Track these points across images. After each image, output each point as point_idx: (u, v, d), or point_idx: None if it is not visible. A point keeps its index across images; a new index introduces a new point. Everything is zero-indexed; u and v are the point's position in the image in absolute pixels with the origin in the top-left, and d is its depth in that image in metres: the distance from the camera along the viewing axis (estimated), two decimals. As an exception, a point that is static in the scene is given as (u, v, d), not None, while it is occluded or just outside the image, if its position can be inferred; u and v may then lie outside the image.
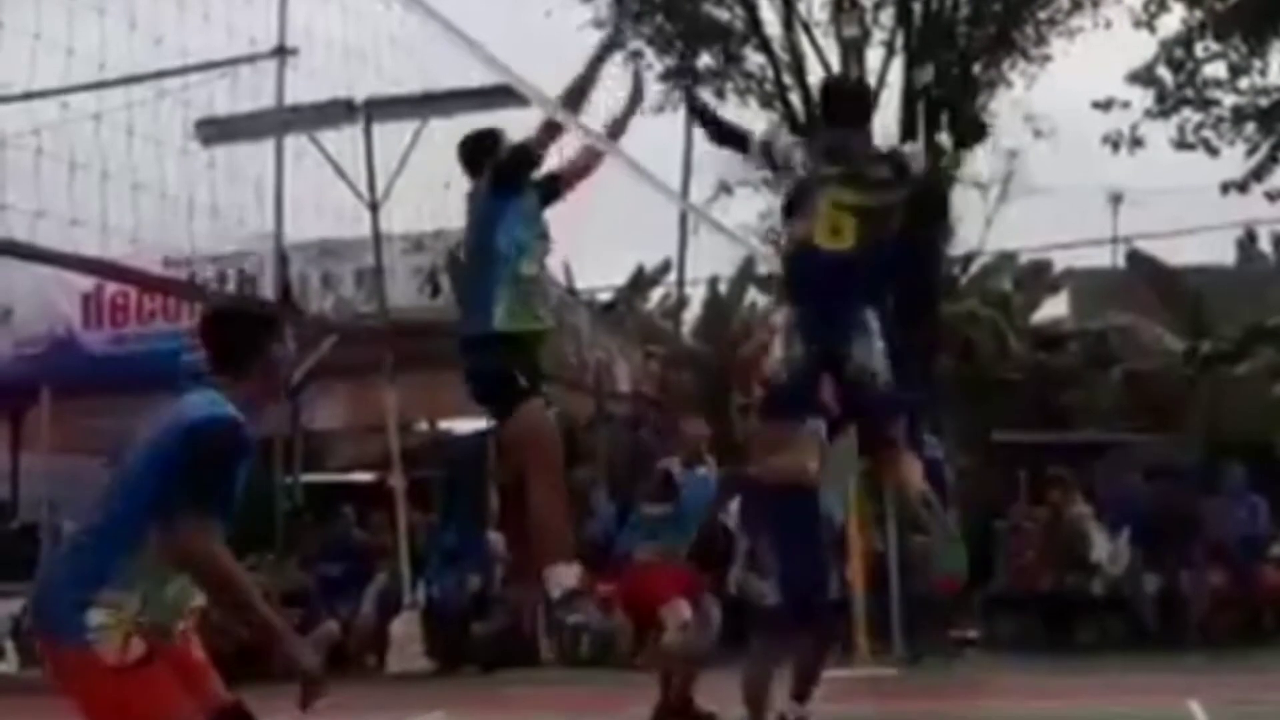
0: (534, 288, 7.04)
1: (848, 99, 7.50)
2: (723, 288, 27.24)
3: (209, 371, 4.56)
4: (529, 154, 7.03)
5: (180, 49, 12.30)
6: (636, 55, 24.10)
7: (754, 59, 23.89)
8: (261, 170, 15.17)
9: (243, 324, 4.69)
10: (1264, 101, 21.12)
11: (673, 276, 26.25)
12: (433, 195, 14.57)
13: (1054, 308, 29.72)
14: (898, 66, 23.00)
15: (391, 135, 14.83)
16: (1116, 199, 30.41)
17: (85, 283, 15.00)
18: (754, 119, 24.18)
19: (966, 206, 24.25)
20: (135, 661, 4.22)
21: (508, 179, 7.01)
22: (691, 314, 27.16)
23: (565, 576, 6.79)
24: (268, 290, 15.41)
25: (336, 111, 14.71)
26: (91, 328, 15.78)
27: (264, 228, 15.30)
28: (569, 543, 7.03)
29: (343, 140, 14.87)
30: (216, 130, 14.61)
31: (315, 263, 15.62)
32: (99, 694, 4.24)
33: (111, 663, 4.21)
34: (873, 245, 6.70)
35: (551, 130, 7.06)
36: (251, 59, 15.18)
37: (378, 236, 14.80)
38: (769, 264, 23.09)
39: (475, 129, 7.54)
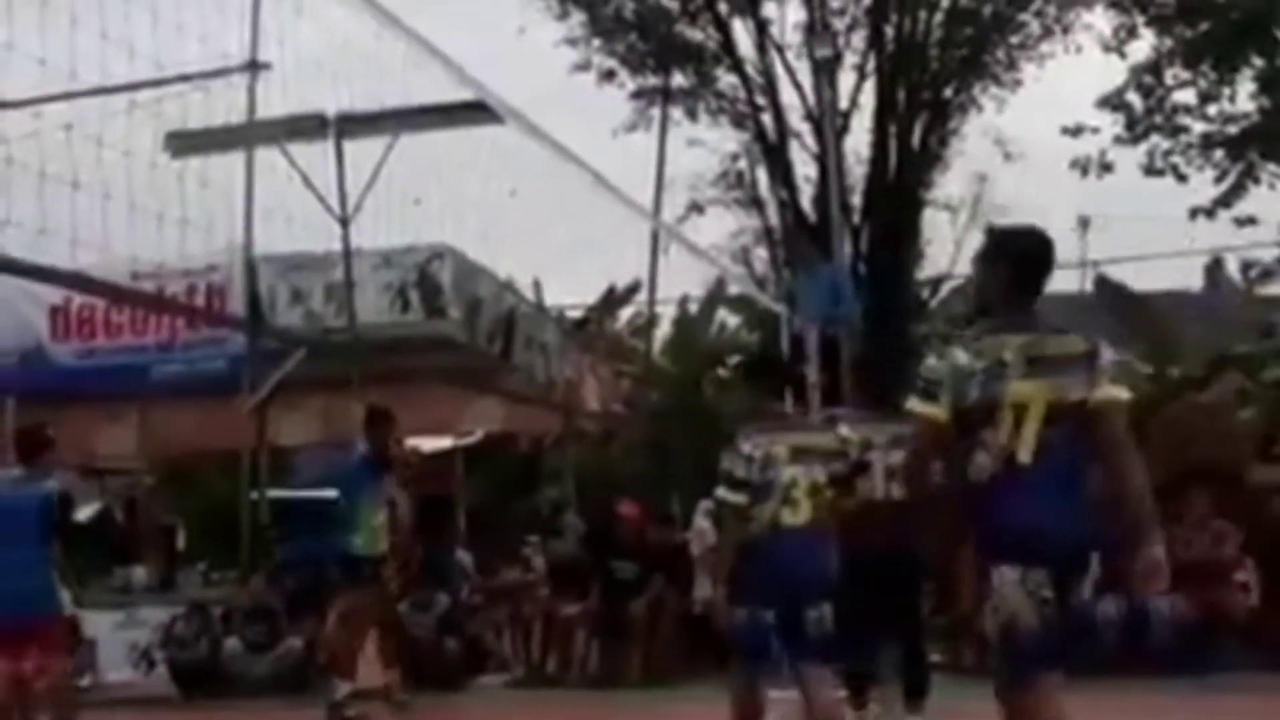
0: None
1: None
2: (693, 307, 27.30)
3: None
4: None
5: (153, 61, 12.28)
6: (610, 75, 24.21)
7: (726, 79, 23.97)
8: (231, 183, 15.18)
9: None
10: (1232, 128, 21.23)
11: (643, 295, 26.29)
12: (403, 210, 14.64)
13: (1023, 332, 29.85)
14: (870, 89, 23.10)
15: (363, 150, 14.83)
16: (1085, 224, 30.57)
17: (54, 294, 14.95)
18: (724, 139, 24.31)
19: (935, 229, 24.37)
20: None
21: None
22: (662, 333, 27.20)
23: None
24: (237, 303, 15.39)
25: (308, 126, 14.70)
26: (59, 339, 15.73)
27: (234, 240, 15.30)
28: None
29: (314, 154, 14.86)
30: (187, 143, 14.60)
31: (284, 276, 15.60)
32: None
33: None
34: None
35: None
36: (224, 72, 15.19)
37: (348, 251, 14.80)
38: (739, 284, 23.18)
39: None
